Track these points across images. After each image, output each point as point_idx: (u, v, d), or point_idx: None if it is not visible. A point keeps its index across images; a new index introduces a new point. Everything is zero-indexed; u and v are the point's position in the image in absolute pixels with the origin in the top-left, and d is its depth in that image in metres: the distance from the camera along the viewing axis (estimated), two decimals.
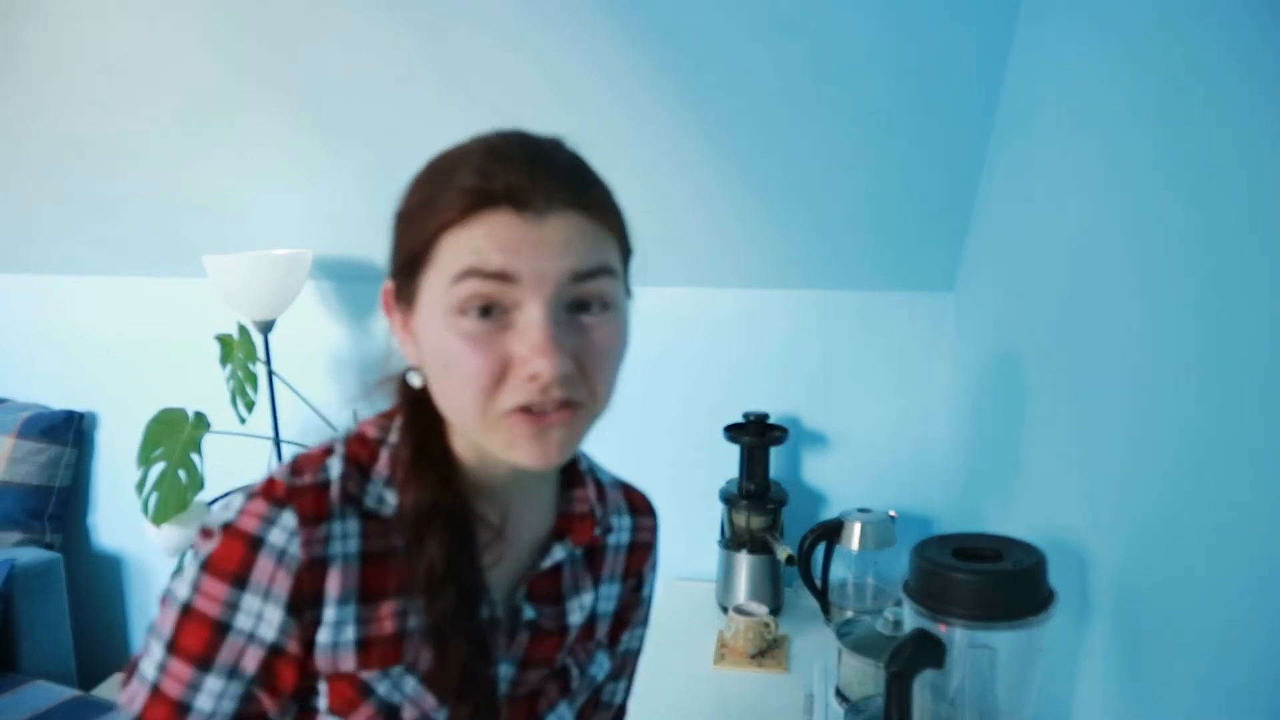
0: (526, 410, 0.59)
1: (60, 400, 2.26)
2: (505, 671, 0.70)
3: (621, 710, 0.88)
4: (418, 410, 0.67)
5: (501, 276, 0.58)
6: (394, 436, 0.68)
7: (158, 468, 1.73)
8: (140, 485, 1.72)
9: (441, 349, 0.60)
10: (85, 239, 2.08)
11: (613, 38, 1.39)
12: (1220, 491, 0.64)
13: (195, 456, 1.73)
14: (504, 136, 0.62)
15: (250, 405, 1.79)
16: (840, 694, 1.29)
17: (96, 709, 1.73)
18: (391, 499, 0.66)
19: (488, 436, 0.61)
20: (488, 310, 0.58)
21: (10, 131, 1.86)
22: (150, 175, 1.86)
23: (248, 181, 1.83)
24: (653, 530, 0.84)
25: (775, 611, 1.62)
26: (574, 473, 0.77)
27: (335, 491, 0.64)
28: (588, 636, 0.77)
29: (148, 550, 2.21)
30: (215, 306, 1.85)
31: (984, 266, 1.48)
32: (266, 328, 1.83)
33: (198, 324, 1.93)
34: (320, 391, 1.89)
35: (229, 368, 1.80)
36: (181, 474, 1.72)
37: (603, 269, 0.61)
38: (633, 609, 0.84)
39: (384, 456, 0.67)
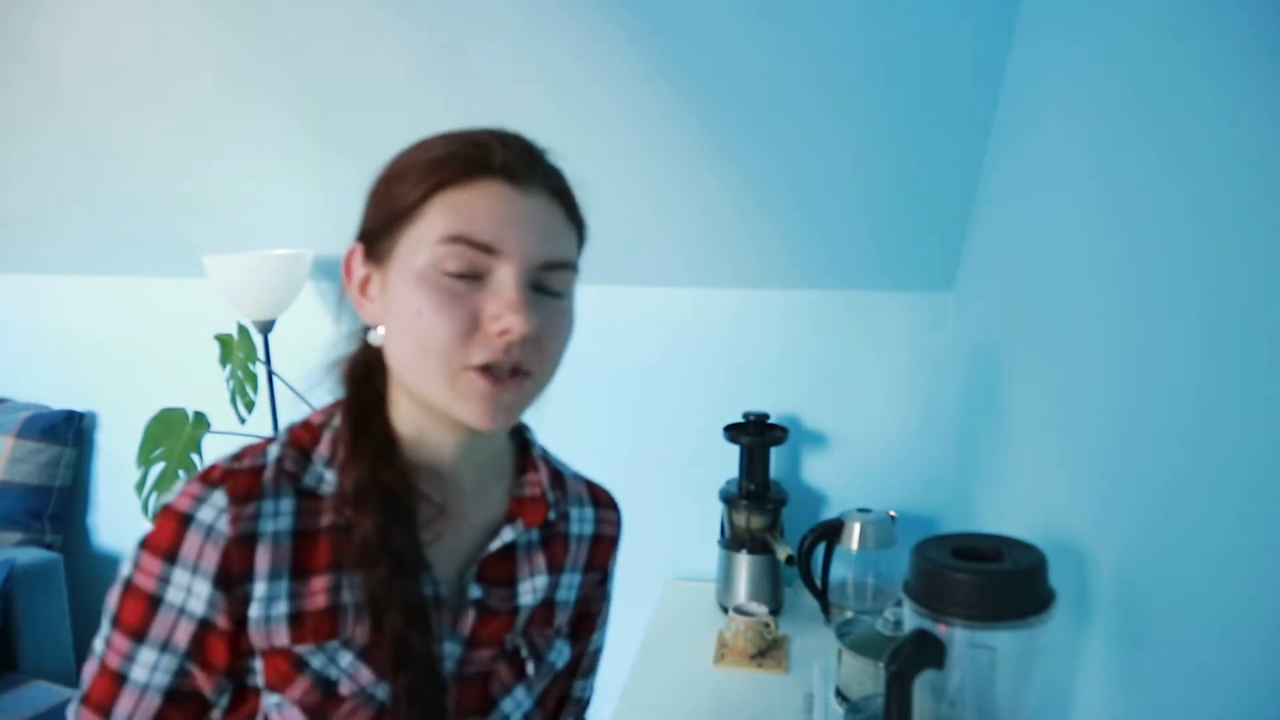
0: (486, 370, 0.63)
1: (60, 400, 2.26)
2: (451, 649, 0.72)
3: (585, 704, 0.91)
4: (360, 389, 0.71)
5: (487, 248, 0.63)
6: (336, 420, 0.71)
7: (158, 468, 1.73)
8: (140, 485, 1.72)
9: (415, 299, 0.63)
10: (85, 239, 2.08)
11: (613, 39, 1.39)
12: (1220, 491, 0.64)
13: (195, 456, 1.74)
14: (491, 128, 0.68)
15: (250, 405, 1.79)
16: (840, 694, 1.29)
17: None
18: (330, 477, 0.68)
19: (441, 389, 0.64)
20: (464, 273, 0.63)
21: (10, 131, 1.86)
22: (150, 175, 1.86)
23: (248, 181, 1.83)
24: (616, 524, 0.87)
25: (775, 611, 1.62)
26: (527, 459, 0.80)
27: (270, 472, 0.67)
28: (545, 622, 0.78)
29: None
30: (215, 306, 1.85)
31: (983, 266, 1.48)
32: (266, 328, 1.83)
33: (198, 324, 1.93)
34: (320, 392, 1.88)
35: (229, 368, 1.80)
36: (181, 474, 1.72)
37: (567, 263, 0.68)
38: (599, 602, 0.87)
39: (325, 438, 0.70)
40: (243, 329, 1.83)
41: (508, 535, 0.75)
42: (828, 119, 1.43)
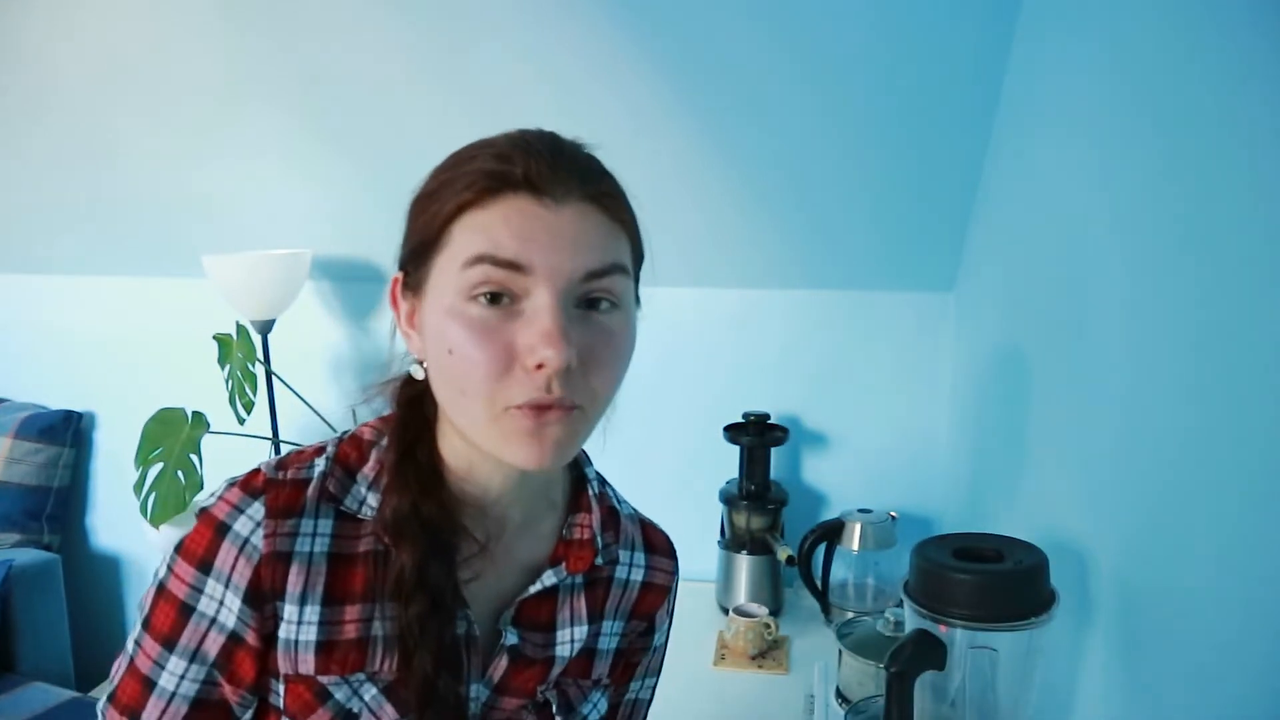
0: (529, 406, 0.58)
1: (58, 400, 2.25)
2: (478, 692, 0.68)
3: None
4: (410, 414, 0.67)
5: (513, 266, 0.57)
6: (385, 441, 0.67)
7: (156, 468, 1.72)
8: (139, 486, 1.72)
9: (447, 334, 0.59)
10: (84, 239, 2.08)
11: (614, 39, 1.38)
12: (1221, 491, 0.64)
13: (194, 457, 1.73)
14: (528, 130, 0.63)
15: (249, 405, 1.79)
16: (841, 695, 1.29)
17: (94, 710, 1.72)
18: (373, 501, 0.65)
19: (485, 430, 0.60)
20: (497, 298, 0.58)
21: (10, 131, 1.86)
22: (149, 175, 1.86)
23: (247, 181, 1.83)
24: (671, 573, 0.80)
25: (775, 612, 1.61)
26: (581, 496, 0.74)
27: (313, 489, 0.64)
28: (582, 673, 0.74)
29: (146, 551, 2.21)
30: (214, 306, 1.85)
31: (984, 266, 1.47)
32: (265, 328, 1.83)
33: (197, 324, 1.93)
34: (319, 392, 1.88)
35: (228, 368, 1.80)
36: (180, 474, 1.71)
37: (615, 266, 0.60)
38: (641, 654, 0.80)
39: (373, 458, 0.67)
40: (242, 329, 1.82)
41: (549, 580, 0.70)
42: (828, 119, 1.43)
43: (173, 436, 1.73)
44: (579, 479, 0.75)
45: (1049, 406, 1.10)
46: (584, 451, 0.74)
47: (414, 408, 0.67)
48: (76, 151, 1.85)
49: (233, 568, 0.62)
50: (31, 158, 1.90)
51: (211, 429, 1.76)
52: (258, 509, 0.62)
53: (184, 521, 1.75)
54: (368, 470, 0.66)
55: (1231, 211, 0.64)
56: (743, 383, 1.79)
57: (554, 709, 0.72)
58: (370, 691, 0.64)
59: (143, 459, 1.72)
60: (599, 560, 0.73)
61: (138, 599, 2.41)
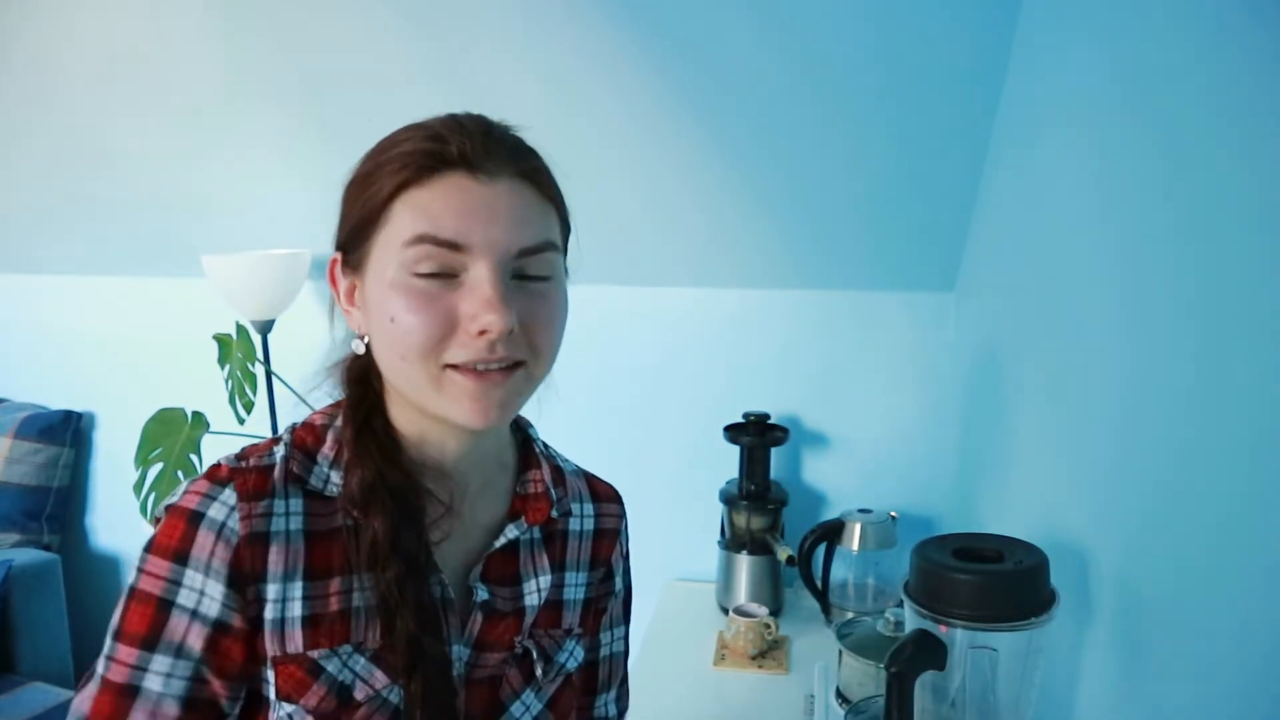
0: (469, 369, 0.62)
1: (58, 400, 2.25)
2: (460, 652, 0.70)
3: None
4: (360, 390, 0.70)
5: (453, 245, 0.61)
6: (340, 421, 0.69)
7: (156, 468, 1.72)
8: (138, 486, 1.72)
9: (389, 304, 0.62)
10: (84, 239, 2.07)
11: (613, 40, 1.38)
12: (1220, 491, 0.64)
13: (193, 457, 1.73)
14: (457, 113, 0.66)
15: (249, 405, 1.79)
16: (841, 695, 1.29)
17: None
18: (336, 479, 0.67)
19: (429, 395, 0.63)
20: (436, 273, 0.61)
21: (9, 131, 1.86)
22: (150, 175, 1.86)
23: (247, 181, 1.83)
24: (618, 516, 0.85)
25: (776, 612, 1.61)
26: (529, 456, 0.79)
27: (278, 472, 0.65)
28: (552, 623, 0.77)
29: None
30: (214, 306, 1.85)
31: (984, 266, 1.47)
32: (265, 328, 1.83)
33: (196, 324, 1.93)
34: (319, 391, 1.88)
35: (227, 368, 1.79)
36: (180, 474, 1.71)
37: (547, 244, 0.65)
38: (606, 599, 0.84)
39: (329, 439, 0.69)
40: (241, 329, 1.82)
41: (511, 533, 0.73)
42: (829, 119, 1.43)
43: (173, 436, 1.73)
44: (525, 440, 0.80)
45: (1049, 406, 1.10)
46: (522, 416, 0.76)
47: (363, 384, 0.70)
48: (76, 151, 1.85)
49: (211, 553, 0.62)
50: (31, 158, 1.90)
51: (211, 429, 1.76)
52: (229, 494, 0.63)
53: None
54: (327, 450, 0.68)
55: (1232, 211, 0.64)
56: (743, 383, 1.79)
57: (534, 657, 0.75)
58: (359, 662, 0.66)
59: (142, 459, 1.72)
60: (554, 513, 0.77)
61: None
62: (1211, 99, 0.68)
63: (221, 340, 1.80)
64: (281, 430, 0.71)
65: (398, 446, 0.69)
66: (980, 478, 1.46)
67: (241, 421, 1.79)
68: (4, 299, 2.30)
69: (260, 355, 1.84)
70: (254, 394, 1.79)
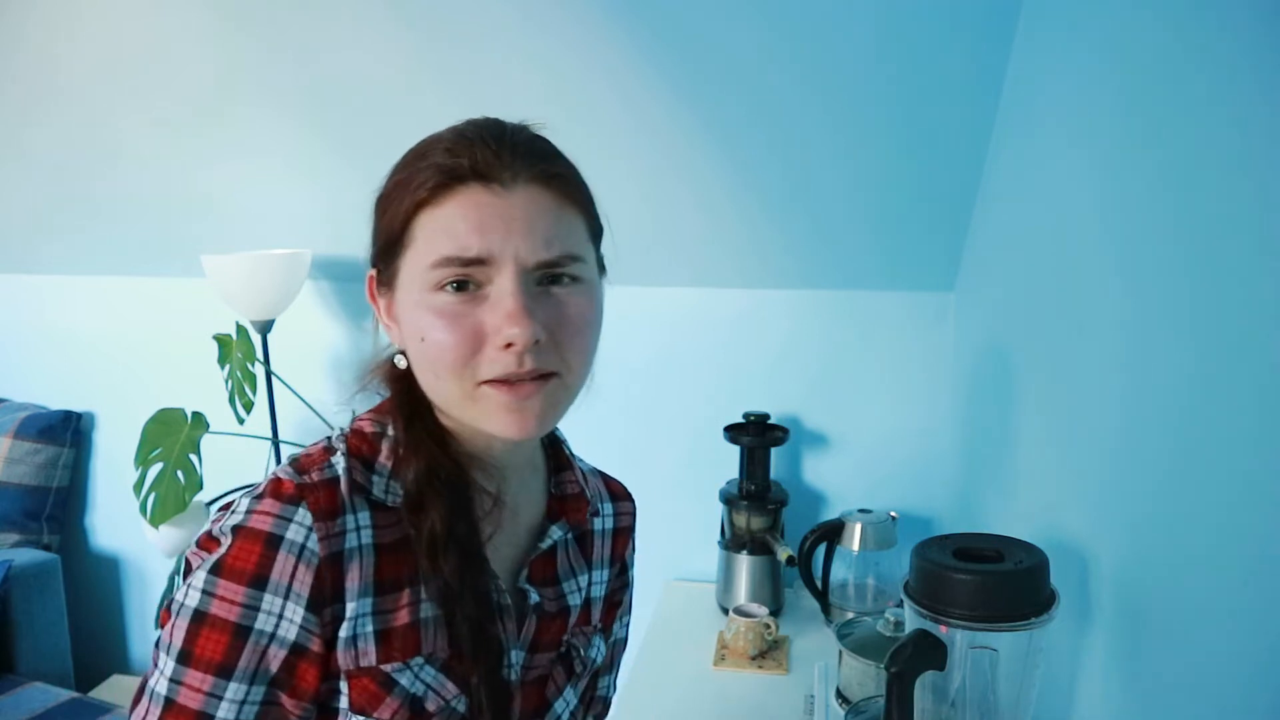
0: (503, 382, 0.62)
1: (58, 400, 2.25)
2: (515, 657, 0.72)
3: (608, 704, 0.91)
4: (407, 388, 0.69)
5: (477, 261, 0.61)
6: (389, 429, 0.69)
7: (156, 468, 1.72)
8: (138, 486, 1.72)
9: (419, 324, 0.63)
10: (84, 239, 2.07)
11: (614, 41, 1.38)
12: (1220, 491, 0.64)
13: (193, 457, 1.73)
14: (473, 121, 0.65)
15: (249, 405, 1.79)
16: (841, 695, 1.29)
17: (94, 711, 1.72)
18: (397, 488, 0.67)
19: (466, 409, 0.64)
20: (462, 285, 0.62)
21: (10, 132, 1.86)
22: (150, 175, 1.86)
23: (247, 181, 1.83)
24: (631, 514, 0.87)
25: (776, 612, 1.61)
26: (561, 457, 0.79)
27: (344, 486, 0.64)
28: (585, 620, 0.79)
29: (146, 551, 2.20)
30: (214, 306, 1.84)
31: (984, 266, 1.47)
32: (265, 328, 1.83)
33: (196, 324, 1.93)
34: (319, 392, 1.88)
35: (227, 368, 1.79)
36: (180, 474, 1.71)
37: (568, 256, 0.64)
38: (621, 592, 0.87)
39: (384, 448, 0.68)
40: (241, 329, 1.82)
41: (556, 534, 0.74)
42: (829, 118, 1.43)
43: (172, 436, 1.73)
44: (553, 441, 0.80)
45: (1049, 406, 1.09)
46: None
47: (410, 381, 0.69)
48: (77, 151, 1.85)
49: (292, 577, 0.60)
50: (32, 158, 1.90)
51: (211, 429, 1.76)
52: (304, 515, 0.61)
53: (183, 521, 1.75)
54: (383, 460, 0.67)
55: (1229, 211, 0.64)
56: (743, 383, 1.79)
57: (577, 655, 0.77)
58: (430, 673, 0.66)
59: (142, 459, 1.72)
60: (590, 513, 0.78)
61: (137, 599, 2.41)
62: (1210, 100, 0.68)
63: (221, 340, 1.80)
64: (333, 439, 0.68)
65: (447, 437, 0.69)
66: (980, 478, 1.46)
67: (241, 421, 1.79)
68: (4, 299, 2.30)
69: (260, 355, 1.84)
70: (254, 394, 1.79)
